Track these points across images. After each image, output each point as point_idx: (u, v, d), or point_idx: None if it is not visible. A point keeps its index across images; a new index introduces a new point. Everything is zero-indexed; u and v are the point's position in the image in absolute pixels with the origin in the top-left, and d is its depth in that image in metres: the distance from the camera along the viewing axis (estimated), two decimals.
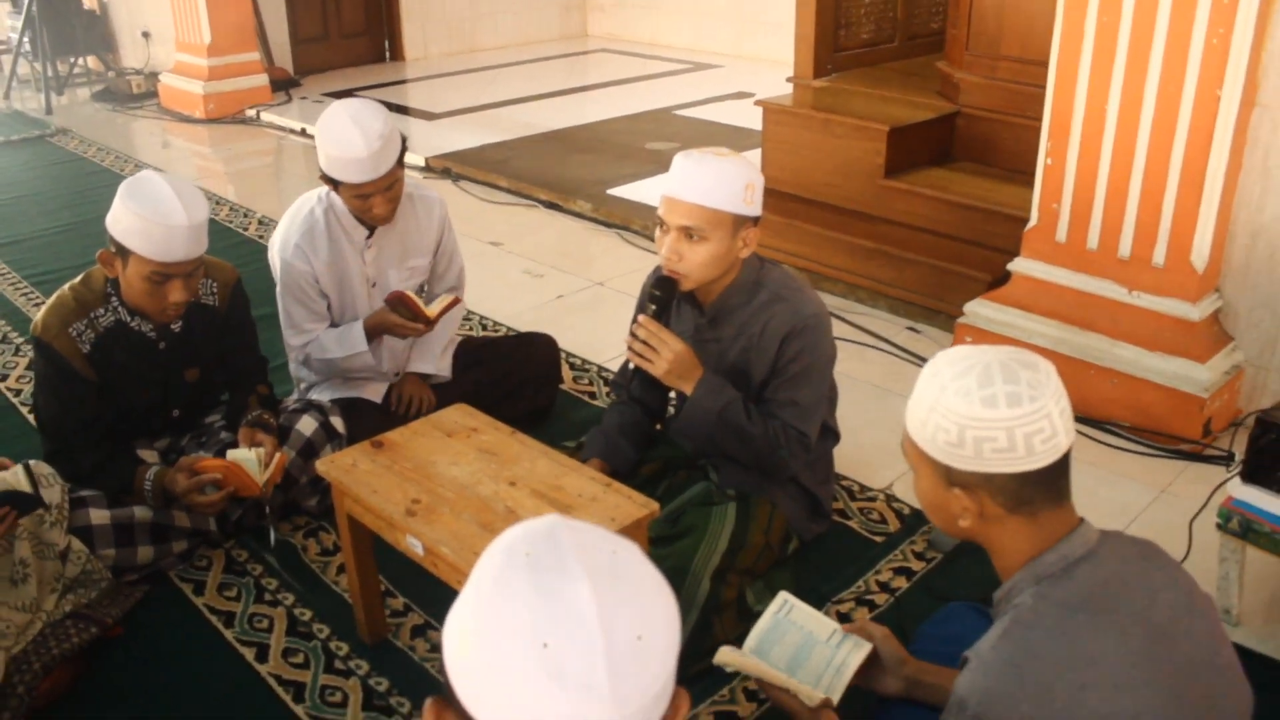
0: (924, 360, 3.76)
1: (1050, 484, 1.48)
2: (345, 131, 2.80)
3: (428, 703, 1.04)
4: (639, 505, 2.12)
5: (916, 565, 2.73)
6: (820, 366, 2.55)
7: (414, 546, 2.10)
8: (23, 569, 2.44)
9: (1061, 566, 1.49)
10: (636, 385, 2.69)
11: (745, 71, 8.99)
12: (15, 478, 2.36)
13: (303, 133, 7.38)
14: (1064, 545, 1.50)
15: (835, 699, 1.87)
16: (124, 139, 7.46)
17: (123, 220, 2.51)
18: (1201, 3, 2.99)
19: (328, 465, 2.30)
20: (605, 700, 0.89)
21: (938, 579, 2.68)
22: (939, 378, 1.49)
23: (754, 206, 2.44)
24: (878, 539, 2.84)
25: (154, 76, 8.53)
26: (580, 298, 4.50)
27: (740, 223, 2.42)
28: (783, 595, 2.05)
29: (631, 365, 2.54)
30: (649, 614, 0.96)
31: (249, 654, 2.45)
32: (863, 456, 3.19)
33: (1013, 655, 1.42)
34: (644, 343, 2.46)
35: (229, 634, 2.52)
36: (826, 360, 2.58)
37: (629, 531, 2.08)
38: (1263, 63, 3.11)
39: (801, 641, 1.96)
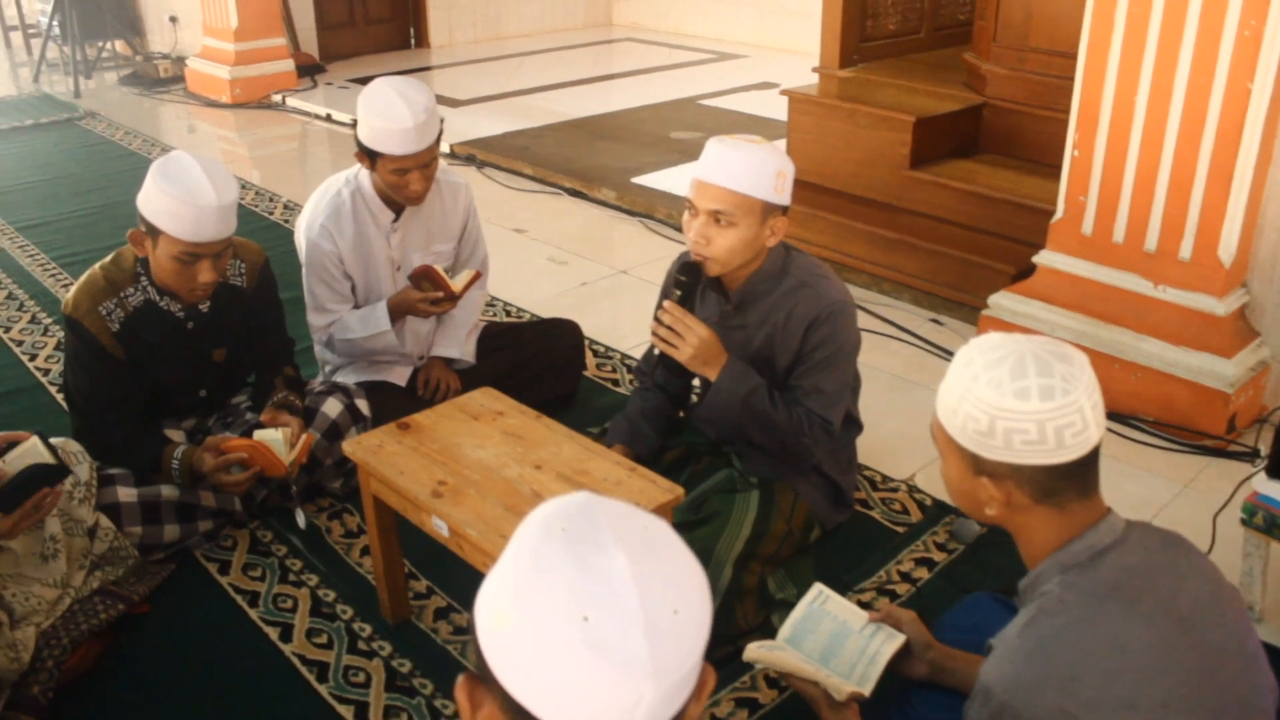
0: (948, 352, 3.76)
1: (1079, 477, 1.48)
2: (392, 103, 2.82)
3: (460, 680, 1.05)
4: (664, 490, 2.13)
5: (938, 556, 2.73)
6: (845, 354, 2.55)
7: (439, 528, 2.12)
8: (53, 545, 2.47)
9: (1088, 555, 1.48)
10: (660, 371, 2.70)
11: (769, 61, 8.97)
12: (36, 450, 2.37)
13: (328, 118, 7.42)
14: (1091, 534, 1.49)
15: (868, 689, 1.88)
16: (151, 123, 7.51)
17: (153, 200, 2.52)
18: None
19: (354, 446, 2.32)
20: (646, 673, 0.91)
21: (959, 570, 2.68)
22: (971, 366, 1.48)
23: (784, 195, 2.44)
24: (899, 529, 2.84)
25: (181, 61, 8.57)
26: (604, 285, 4.51)
27: (769, 210, 2.42)
28: (817, 586, 2.06)
29: (656, 351, 2.54)
30: (684, 588, 0.98)
31: (273, 634, 2.48)
32: (885, 447, 3.19)
33: (1039, 643, 1.42)
34: (669, 328, 2.46)
35: (253, 613, 2.55)
36: (851, 348, 2.58)
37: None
38: None
39: (836, 631, 1.97)
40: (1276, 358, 3.37)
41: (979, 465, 1.50)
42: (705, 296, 2.63)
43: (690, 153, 6.25)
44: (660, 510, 2.10)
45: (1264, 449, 3.20)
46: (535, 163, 6.03)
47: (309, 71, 8.37)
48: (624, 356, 3.82)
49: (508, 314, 4.18)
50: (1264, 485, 2.42)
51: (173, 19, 9.05)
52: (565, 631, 0.92)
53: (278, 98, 7.90)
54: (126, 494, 2.63)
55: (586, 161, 6.06)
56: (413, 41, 9.84)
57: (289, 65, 8.10)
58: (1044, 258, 3.60)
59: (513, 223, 5.16)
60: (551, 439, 2.32)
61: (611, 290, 4.46)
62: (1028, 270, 3.76)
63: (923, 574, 2.67)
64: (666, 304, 2.48)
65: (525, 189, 5.77)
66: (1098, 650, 1.39)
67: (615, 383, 3.64)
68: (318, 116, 7.52)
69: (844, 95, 4.70)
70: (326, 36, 9.17)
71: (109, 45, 9.29)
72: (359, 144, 2.93)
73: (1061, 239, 3.54)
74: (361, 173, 3.06)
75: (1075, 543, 1.50)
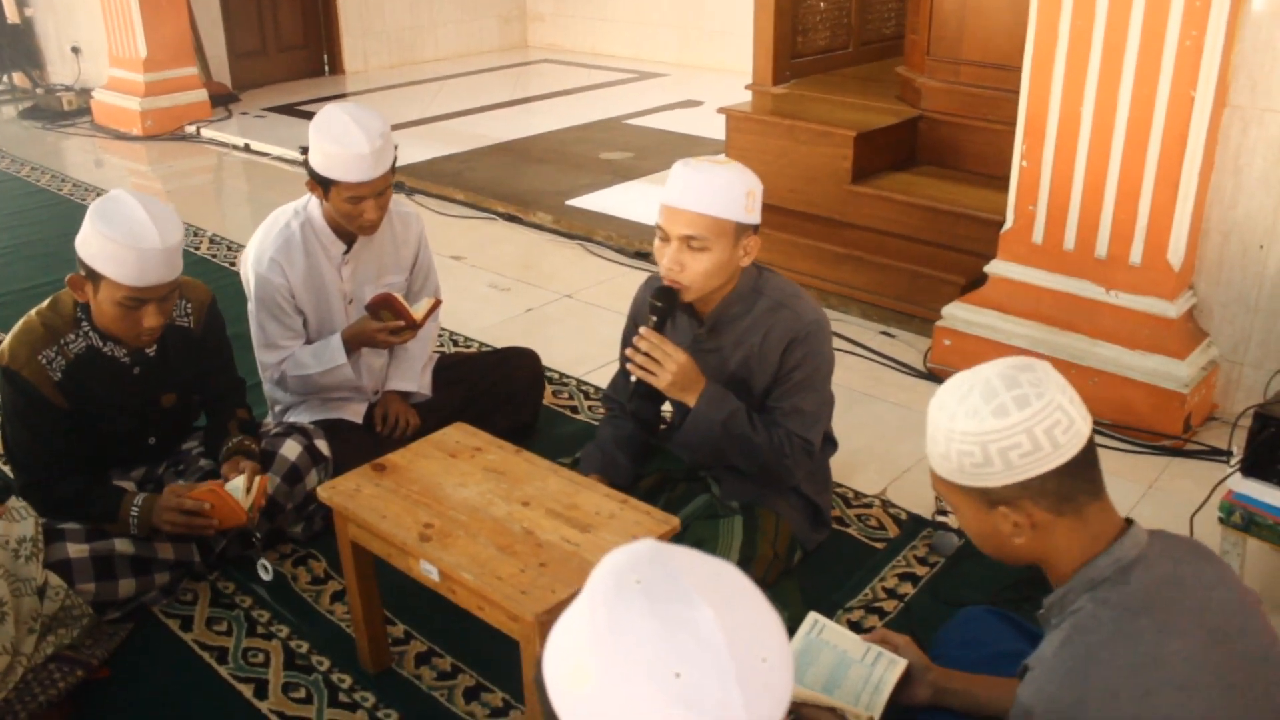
0: (901, 364, 3.78)
1: (1085, 473, 1.47)
2: (346, 129, 2.73)
3: None
4: (659, 521, 2.08)
5: (921, 570, 2.71)
6: (823, 373, 2.53)
7: (428, 573, 2.03)
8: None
9: (1115, 569, 1.47)
10: (635, 398, 2.64)
11: (691, 79, 9.00)
12: None
13: (246, 148, 7.23)
14: (1116, 549, 1.48)
15: (877, 716, 1.84)
16: (57, 157, 7.25)
17: (93, 243, 2.39)
18: (1175, 5, 3.02)
19: (330, 491, 2.22)
20: None
21: (944, 583, 2.66)
22: (945, 409, 1.49)
23: (754, 214, 2.41)
24: (879, 545, 2.82)
25: (86, 93, 8.29)
26: (550, 310, 4.44)
27: (741, 231, 2.39)
28: (812, 615, 2.02)
29: (633, 378, 2.49)
30: (768, 635, 0.95)
31: (247, 691, 2.36)
32: (852, 463, 3.18)
33: (1077, 662, 1.41)
34: (646, 355, 2.41)
35: (223, 670, 2.42)
36: (829, 367, 2.55)
37: None
38: (1233, 64, 3.16)
39: (836, 661, 1.93)
40: (1225, 357, 3.44)
41: (990, 497, 1.49)
42: (677, 321, 2.59)
43: (622, 173, 6.23)
44: None
45: (1221, 447, 3.25)
46: (467, 188, 5.93)
47: (223, 101, 8.17)
48: (579, 383, 3.75)
49: (455, 343, 4.09)
50: (1241, 484, 2.46)
51: (75, 49, 8.76)
52: (657, 689, 0.88)
53: (192, 129, 7.68)
54: (77, 549, 2.49)
55: (519, 185, 5.99)
56: (327, 68, 9.67)
57: (202, 95, 7.88)
58: (996, 267, 3.63)
59: (449, 250, 5.05)
60: (535, 473, 2.25)
61: (558, 315, 4.39)
62: (978, 280, 3.79)
63: (908, 589, 2.65)
64: (643, 330, 2.43)
65: (459, 215, 5.68)
66: (1135, 666, 1.38)
67: (574, 410, 3.58)
68: (235, 147, 7.32)
69: (781, 111, 4.71)
70: (239, 65, 8.96)
71: (5, 78, 8.96)
72: (311, 172, 2.83)
73: (1012, 248, 3.57)
74: (311, 203, 2.96)
75: (1101, 558, 1.49)
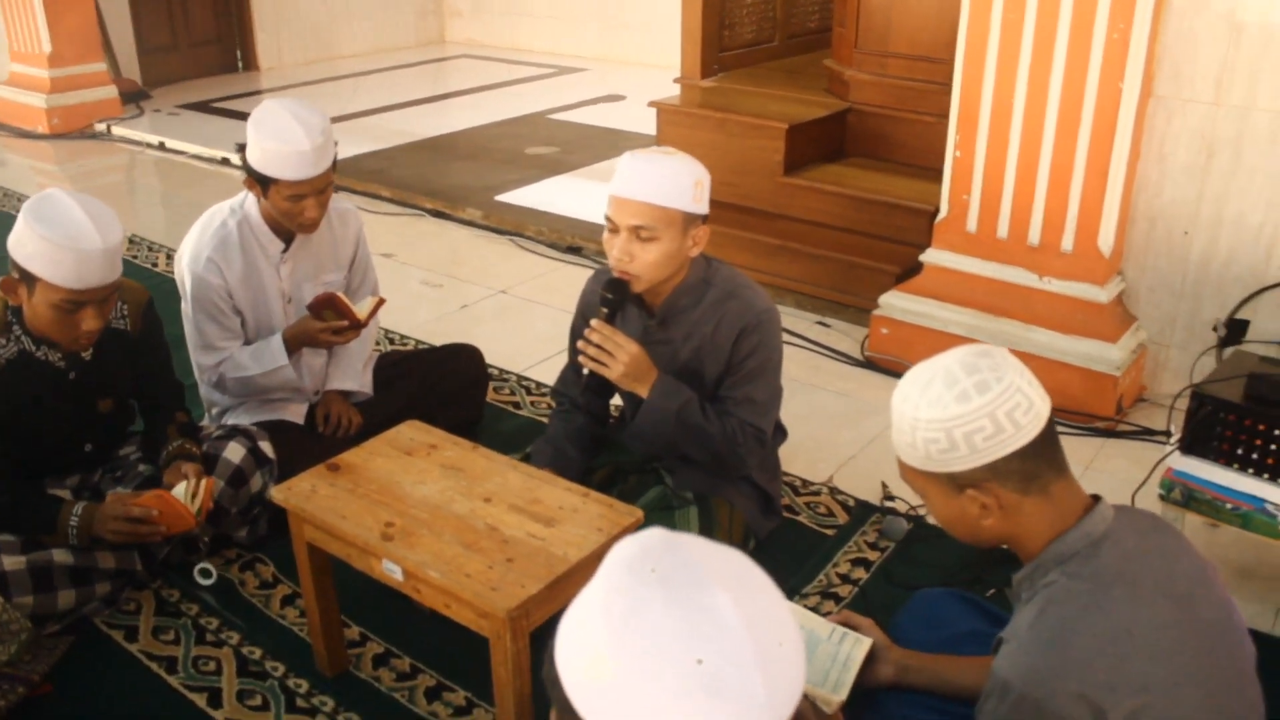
0: (839, 353, 3.83)
1: (1047, 452, 1.51)
2: (287, 125, 2.67)
3: None
4: (623, 514, 2.07)
5: (872, 555, 2.75)
6: (774, 362, 2.55)
7: (392, 572, 1.99)
8: None
9: (1086, 544, 1.51)
10: (585, 391, 2.63)
11: (612, 74, 8.99)
12: None
13: (161, 146, 7.04)
14: (1086, 523, 1.52)
15: (844, 694, 1.86)
16: None
17: (27, 244, 2.30)
18: None
19: (285, 493, 2.17)
20: (765, 708, 0.88)
21: (896, 566, 2.70)
22: (909, 400, 1.53)
23: (702, 204, 2.41)
24: (829, 532, 2.85)
25: None
26: (485, 306, 4.40)
27: (690, 221, 2.39)
28: None
29: (585, 370, 2.48)
30: (782, 619, 0.96)
31: (200, 700, 2.29)
32: (797, 451, 3.20)
33: (1053, 633, 1.44)
34: (598, 346, 2.40)
35: (174, 680, 2.35)
36: (779, 356, 2.57)
37: (616, 540, 2.02)
38: (1157, 56, 3.25)
39: (803, 641, 1.94)
40: (1152, 340, 3.54)
41: (957, 481, 1.53)
42: (627, 313, 2.58)
43: (549, 168, 6.20)
44: (623, 534, 2.04)
45: (1152, 426, 3.35)
46: (392, 185, 5.85)
47: (133, 98, 7.94)
48: (520, 378, 3.73)
49: (390, 341, 4.03)
50: (1180, 461, 2.53)
51: None
52: (679, 678, 0.88)
53: (102, 126, 7.45)
54: (13, 561, 2.40)
55: (446, 181, 5.93)
56: (240, 64, 9.46)
57: (111, 92, 7.65)
58: (931, 256, 3.68)
59: (379, 247, 4.96)
60: (494, 469, 2.23)
61: (494, 311, 4.36)
62: (913, 269, 3.85)
63: (861, 574, 2.68)
64: (594, 322, 2.42)
65: (385, 212, 5.60)
66: (1109, 636, 1.42)
67: (517, 405, 3.55)
68: (149, 145, 7.12)
69: (711, 105, 4.72)
70: (148, 61, 8.71)
71: None
72: (249, 169, 2.76)
73: (947, 237, 3.63)
74: (248, 200, 2.89)
75: (1071, 534, 1.53)
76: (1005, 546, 1.61)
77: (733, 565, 0.98)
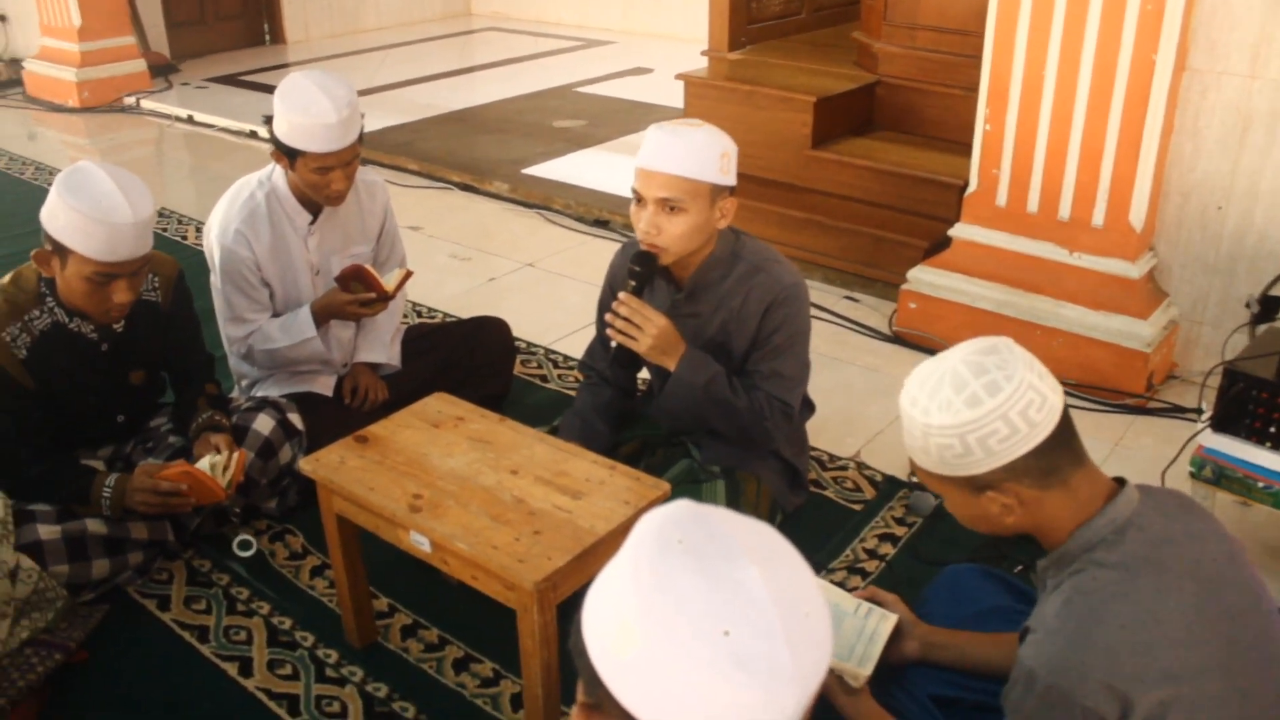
0: (867, 328, 3.81)
1: (1065, 445, 1.49)
2: (314, 98, 2.67)
3: (574, 711, 1.00)
4: (650, 486, 2.08)
5: (899, 531, 2.75)
6: (802, 337, 2.54)
7: (420, 544, 2.01)
8: None
9: (1112, 530, 1.49)
10: (613, 364, 2.63)
11: (638, 47, 8.95)
12: None
13: (190, 120, 7.06)
14: (1110, 509, 1.50)
15: (869, 669, 1.86)
16: None
17: (60, 217, 2.32)
18: None
19: (313, 464, 2.19)
20: (791, 680, 0.88)
21: (923, 542, 2.70)
22: (918, 404, 1.51)
23: (730, 175, 2.40)
24: (856, 507, 2.85)
25: (16, 63, 8.04)
26: (512, 279, 4.41)
27: (717, 192, 2.38)
28: None
29: (613, 344, 2.48)
30: (807, 588, 0.96)
31: (231, 669, 2.32)
32: (825, 426, 3.19)
33: (1079, 622, 1.42)
34: (625, 319, 2.40)
35: (205, 650, 2.39)
36: (807, 330, 2.56)
37: (643, 513, 2.03)
38: (1192, 27, 3.20)
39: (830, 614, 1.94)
40: (1184, 317, 3.50)
41: (975, 484, 1.51)
42: (654, 286, 2.57)
43: (576, 141, 6.18)
44: (649, 507, 2.04)
45: (1182, 404, 3.32)
46: (420, 157, 5.86)
47: (162, 72, 7.97)
48: (548, 351, 3.73)
49: (419, 314, 4.05)
50: (1211, 439, 2.51)
51: (2, 18, 8.48)
52: (706, 648, 0.89)
53: (131, 100, 7.48)
54: (49, 531, 2.43)
55: (473, 154, 5.93)
56: (267, 37, 9.47)
57: (140, 65, 7.68)
58: (960, 230, 3.66)
59: (407, 220, 4.96)
60: (521, 442, 2.23)
61: (522, 284, 4.36)
62: (941, 243, 3.82)
63: (888, 549, 2.68)
64: (622, 295, 2.42)
65: (413, 185, 5.60)
66: (1136, 625, 1.40)
67: (544, 379, 3.56)
68: (178, 118, 7.15)
69: (740, 77, 4.69)
70: (176, 34, 8.73)
71: None
72: (276, 142, 2.77)
73: (976, 211, 3.60)
74: (276, 172, 2.90)
75: (1096, 520, 1.51)
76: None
77: (760, 537, 0.98)
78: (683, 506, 1.00)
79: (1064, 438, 1.48)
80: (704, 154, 2.33)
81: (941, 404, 1.47)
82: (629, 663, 0.91)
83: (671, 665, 0.89)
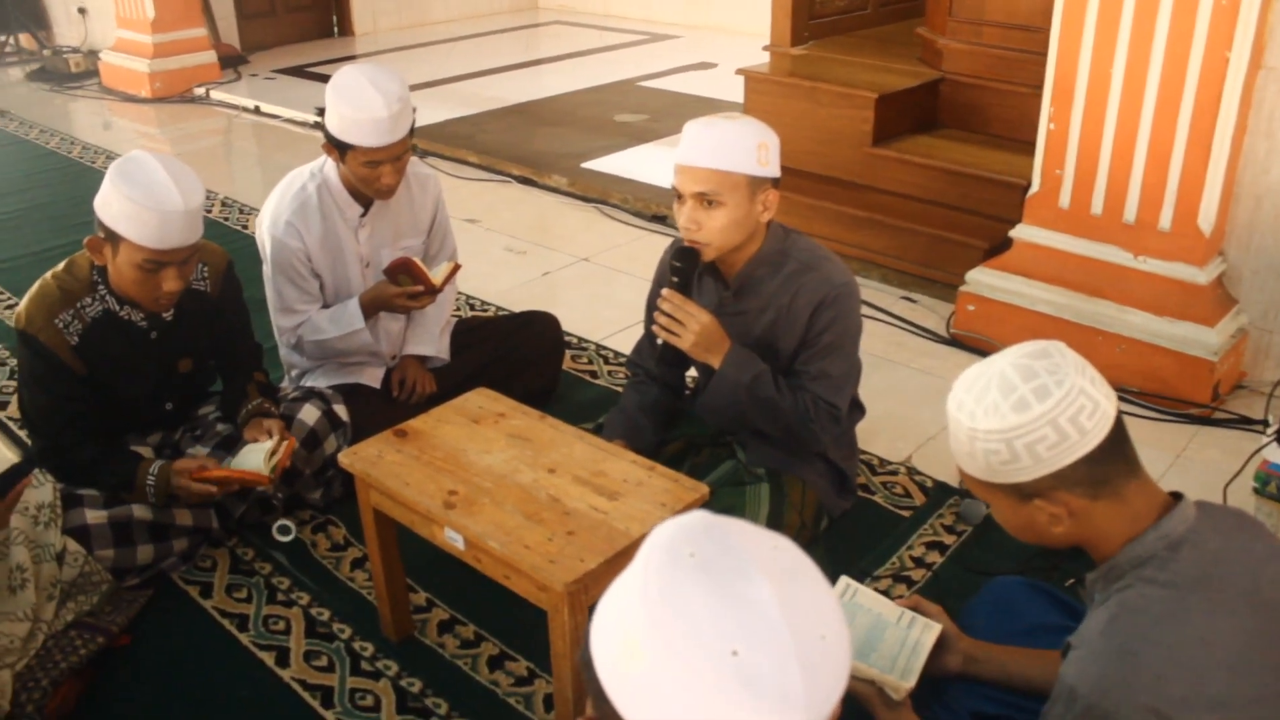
0: (924, 329, 3.73)
1: (1118, 454, 1.43)
2: (364, 92, 2.67)
3: None
4: (688, 489, 2.04)
5: (948, 539, 2.68)
6: (851, 337, 2.49)
7: (454, 541, 1.99)
8: (20, 575, 2.31)
9: (1163, 546, 1.43)
10: (660, 361, 2.60)
11: (703, 41, 8.90)
12: None
13: (256, 110, 7.16)
14: (1164, 525, 1.44)
15: (912, 681, 1.81)
16: (65, 120, 7.18)
17: (113, 204, 2.35)
18: None
19: (351, 457, 2.18)
20: (801, 707, 0.84)
21: (971, 552, 2.63)
22: (964, 408, 1.46)
23: (770, 167, 2.35)
24: (904, 513, 2.79)
25: (94, 55, 8.21)
26: (567, 274, 4.39)
27: (757, 184, 2.33)
28: (845, 579, 1.98)
29: (659, 341, 2.45)
30: (826, 611, 0.91)
31: (268, 659, 2.33)
32: (876, 429, 3.13)
33: (1125, 642, 1.37)
34: (669, 316, 2.37)
35: (244, 638, 2.40)
36: (857, 331, 2.51)
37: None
38: (1270, 24, 3.08)
39: (871, 624, 1.89)
40: (1254, 325, 3.38)
41: (1022, 491, 1.45)
42: (702, 284, 2.54)
43: (637, 135, 6.16)
44: (686, 510, 2.01)
45: (1250, 415, 3.21)
46: (480, 150, 5.87)
47: (232, 63, 8.09)
48: (599, 347, 3.71)
49: (471, 307, 4.05)
50: (1276, 453, 2.41)
51: (81, 11, 8.67)
52: (713, 667, 0.85)
53: (201, 91, 7.60)
54: (95, 515, 2.46)
55: (533, 147, 5.93)
56: (335, 30, 9.57)
57: (211, 57, 7.80)
58: (1021, 232, 3.57)
59: (464, 212, 5.00)
60: (561, 440, 2.21)
61: (576, 279, 4.35)
62: (1001, 245, 3.73)
63: (935, 558, 2.61)
64: (665, 292, 2.39)
65: (472, 178, 5.62)
66: (1185, 647, 1.34)
67: (594, 375, 3.54)
68: (245, 109, 7.25)
69: (801, 73, 4.63)
70: (247, 26, 8.86)
71: (12, 40, 8.88)
72: (327, 135, 2.78)
73: (1038, 212, 3.51)
74: (328, 165, 2.91)
75: (1148, 535, 1.44)
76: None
77: (777, 553, 0.94)
78: (698, 518, 0.96)
79: (1117, 447, 1.42)
80: (739, 145, 2.29)
81: (988, 408, 1.41)
82: (634, 679, 0.88)
83: (677, 684, 0.85)
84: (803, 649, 0.86)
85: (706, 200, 2.30)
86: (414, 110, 2.81)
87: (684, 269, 2.41)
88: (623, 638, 0.90)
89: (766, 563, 0.91)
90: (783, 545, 0.96)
